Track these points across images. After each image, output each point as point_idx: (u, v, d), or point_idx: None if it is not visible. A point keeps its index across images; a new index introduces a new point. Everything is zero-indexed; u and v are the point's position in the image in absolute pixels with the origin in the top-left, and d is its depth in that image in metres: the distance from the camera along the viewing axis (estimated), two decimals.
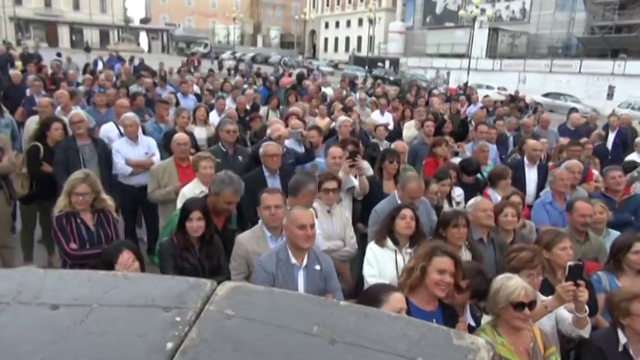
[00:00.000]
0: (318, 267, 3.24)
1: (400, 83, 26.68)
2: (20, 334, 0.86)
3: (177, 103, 9.14)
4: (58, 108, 7.09)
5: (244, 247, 3.51)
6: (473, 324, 2.97)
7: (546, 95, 29.28)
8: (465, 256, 3.59)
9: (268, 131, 5.98)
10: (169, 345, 0.86)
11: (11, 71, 12.42)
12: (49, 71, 14.02)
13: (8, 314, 0.91)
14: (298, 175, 4.30)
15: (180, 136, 5.24)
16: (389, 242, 3.63)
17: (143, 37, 65.20)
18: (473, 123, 8.85)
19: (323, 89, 13.78)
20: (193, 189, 4.50)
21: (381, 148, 6.42)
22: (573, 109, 25.01)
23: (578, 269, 2.83)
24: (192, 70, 22.68)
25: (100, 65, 19.97)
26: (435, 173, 5.21)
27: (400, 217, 3.63)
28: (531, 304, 2.54)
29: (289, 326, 0.94)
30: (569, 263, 2.88)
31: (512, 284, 2.57)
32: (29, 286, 0.99)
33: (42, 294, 0.97)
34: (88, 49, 21.72)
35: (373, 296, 2.48)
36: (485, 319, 2.88)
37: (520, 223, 4.40)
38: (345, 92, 13.06)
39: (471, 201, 4.20)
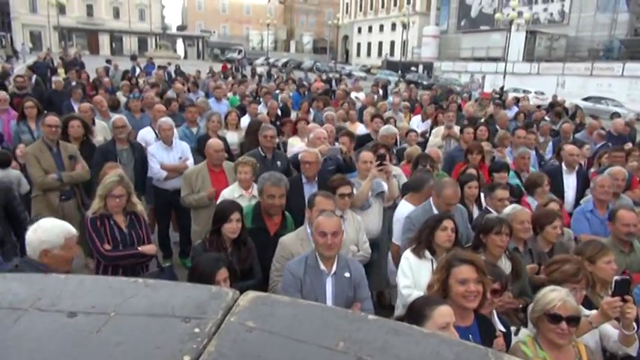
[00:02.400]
0: (347, 274, 3.17)
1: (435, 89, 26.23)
2: (35, 343, 0.84)
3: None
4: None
5: (288, 249, 3.50)
6: (503, 329, 2.84)
7: (587, 99, 28.30)
8: (505, 265, 3.43)
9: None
10: (186, 358, 0.82)
11: (54, 78, 12.90)
12: (91, 77, 14.49)
13: (25, 321, 0.89)
14: (419, 173, 4.78)
15: (215, 143, 5.28)
16: (426, 252, 3.48)
17: (179, 44, 66.77)
18: (498, 127, 8.68)
19: (354, 94, 13.69)
20: (233, 192, 4.58)
21: None
22: (615, 114, 24.17)
23: (625, 284, 2.66)
24: (232, 75, 23.05)
25: (138, 71, 20.49)
26: (459, 177, 5.04)
27: (441, 229, 3.43)
28: (571, 320, 2.38)
29: (313, 341, 0.88)
30: (616, 277, 2.71)
31: (552, 295, 2.43)
32: (49, 292, 0.97)
33: (61, 300, 0.95)
34: (134, 57, 22.28)
35: (417, 312, 2.35)
36: (523, 332, 2.75)
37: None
38: (376, 97, 12.93)
39: (508, 209, 3.99)
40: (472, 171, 5.22)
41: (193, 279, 2.93)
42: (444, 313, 2.29)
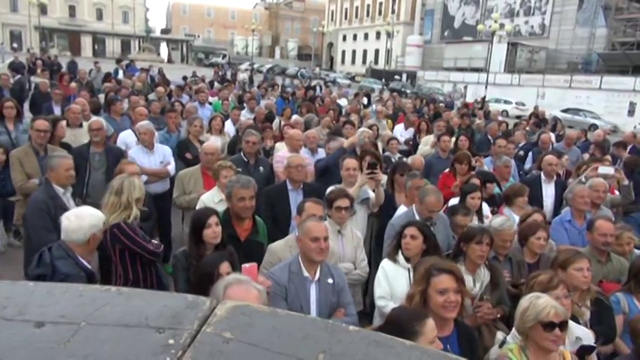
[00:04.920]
0: (330, 280, 3.15)
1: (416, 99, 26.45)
2: None
3: None
4: None
5: (277, 256, 3.45)
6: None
7: (565, 111, 28.87)
8: (484, 275, 3.43)
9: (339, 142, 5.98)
10: None
11: (35, 79, 12.67)
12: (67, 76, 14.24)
13: None
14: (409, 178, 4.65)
15: (208, 146, 5.34)
16: (401, 260, 3.45)
17: (163, 48, 66.27)
18: (490, 137, 8.79)
19: (339, 101, 13.73)
20: (213, 196, 4.49)
21: (393, 161, 6.31)
22: (593, 126, 24.70)
23: (588, 350, 2.69)
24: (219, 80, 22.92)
25: (121, 74, 20.23)
26: (463, 187, 4.96)
27: (403, 237, 3.44)
28: (562, 325, 2.39)
29: (292, 353, 0.85)
30: (584, 343, 2.73)
31: (542, 303, 2.41)
32: (15, 301, 0.92)
33: (28, 309, 0.90)
34: (119, 60, 22.15)
35: (404, 327, 2.21)
36: (509, 340, 2.74)
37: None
38: (359, 105, 12.99)
39: (497, 221, 3.91)
40: (476, 181, 5.14)
41: (196, 278, 2.98)
42: (433, 326, 2.25)
